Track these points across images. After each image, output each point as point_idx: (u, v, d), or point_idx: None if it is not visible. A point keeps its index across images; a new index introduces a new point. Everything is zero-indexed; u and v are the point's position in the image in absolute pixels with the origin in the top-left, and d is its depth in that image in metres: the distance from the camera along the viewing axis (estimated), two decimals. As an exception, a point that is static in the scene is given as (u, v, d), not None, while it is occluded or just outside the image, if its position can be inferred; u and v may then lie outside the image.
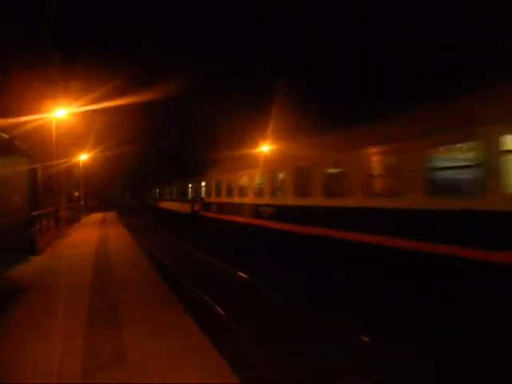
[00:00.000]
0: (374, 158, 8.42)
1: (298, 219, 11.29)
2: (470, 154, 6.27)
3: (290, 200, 11.95)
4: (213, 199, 20.76)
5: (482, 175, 5.98)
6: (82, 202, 36.06)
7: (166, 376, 3.89)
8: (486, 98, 6.37)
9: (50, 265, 10.35)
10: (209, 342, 4.65)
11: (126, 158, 51.80)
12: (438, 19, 25.05)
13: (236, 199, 16.81)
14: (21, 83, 16.02)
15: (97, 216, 35.11)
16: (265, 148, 17.34)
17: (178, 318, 5.60)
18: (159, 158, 59.51)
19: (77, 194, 34.61)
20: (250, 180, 15.25)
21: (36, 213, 12.86)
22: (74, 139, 27.20)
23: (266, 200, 13.66)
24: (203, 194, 23.13)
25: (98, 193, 58.40)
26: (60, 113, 17.48)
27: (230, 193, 17.76)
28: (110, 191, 69.68)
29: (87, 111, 19.74)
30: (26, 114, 15.11)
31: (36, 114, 15.96)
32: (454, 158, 6.83)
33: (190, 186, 26.93)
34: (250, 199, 15.08)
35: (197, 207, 24.19)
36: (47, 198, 17.02)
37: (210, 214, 21.32)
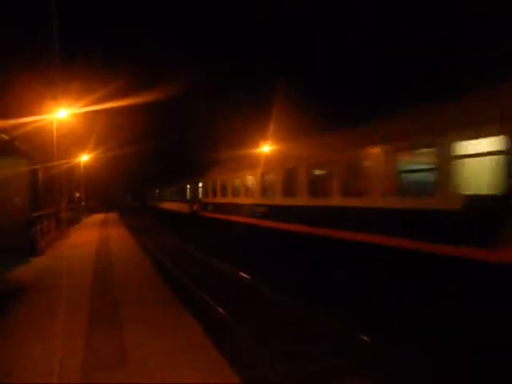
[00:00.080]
0: (350, 160, 9.33)
1: (286, 218, 12.18)
2: (429, 159, 7.14)
3: (278, 200, 12.83)
4: (210, 199, 21.52)
5: (435, 178, 6.89)
6: (83, 203, 36.11)
7: (166, 376, 3.90)
8: (441, 110, 7.30)
9: (50, 266, 10.37)
10: (209, 342, 4.66)
11: (127, 158, 51.84)
12: (438, 19, 25.05)
13: (230, 199, 17.77)
14: (21, 84, 16.06)
15: (98, 217, 35.15)
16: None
17: (178, 318, 5.61)
18: (160, 158, 59.56)
19: (78, 194, 34.65)
20: (243, 181, 16.20)
21: (37, 214, 12.88)
22: (74, 140, 27.25)
23: (258, 200, 14.50)
24: (201, 195, 23.81)
25: (99, 194, 58.47)
26: (61, 114, 17.49)
27: (224, 193, 18.68)
28: (111, 192, 69.76)
29: (88, 112, 19.76)
30: (26, 115, 15.13)
31: (37, 114, 15.99)
32: (418, 162, 7.73)
33: (188, 186, 27.41)
34: (243, 199, 16.00)
35: (195, 207, 24.63)
36: (48, 199, 17.04)
37: (207, 214, 22.05)
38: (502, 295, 5.49)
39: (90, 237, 17.48)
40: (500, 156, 5.86)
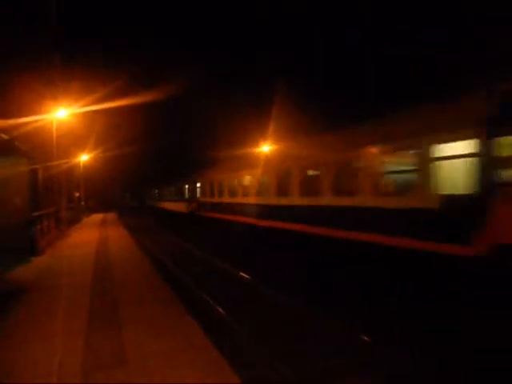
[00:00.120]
0: (340, 162, 9.82)
1: (279, 217, 12.80)
2: (410, 161, 7.63)
3: (272, 200, 13.40)
4: (207, 199, 22.18)
5: (416, 178, 7.39)
6: (83, 203, 36.10)
7: (166, 376, 3.90)
8: (421, 116, 7.75)
9: (50, 265, 10.36)
10: (209, 342, 4.66)
11: (127, 158, 51.84)
12: (438, 19, 25.04)
13: (226, 199, 18.56)
14: (21, 84, 16.04)
15: (97, 217, 35.14)
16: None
17: (178, 318, 5.60)
18: (159, 158, 59.60)
19: (77, 194, 34.64)
20: (239, 181, 16.97)
21: (37, 213, 12.87)
22: (74, 140, 27.21)
23: (253, 200, 15.12)
24: (198, 195, 24.38)
25: (99, 193, 58.46)
26: (60, 113, 17.47)
27: (221, 193, 19.43)
28: (110, 192, 69.75)
29: (88, 112, 19.75)
30: (26, 115, 15.11)
31: (36, 114, 15.96)
32: (402, 164, 8.16)
33: (186, 186, 27.76)
34: (239, 199, 16.75)
35: (193, 207, 24.98)
36: (48, 199, 17.03)
37: (204, 213, 22.73)
38: (474, 285, 6.02)
39: (90, 236, 17.47)
40: (473, 158, 6.29)
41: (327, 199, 10.05)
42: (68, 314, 6.02)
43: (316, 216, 10.52)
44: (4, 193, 12.09)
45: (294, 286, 8.82)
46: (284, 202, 12.49)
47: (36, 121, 15.90)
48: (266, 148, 17.19)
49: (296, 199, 11.66)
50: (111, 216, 35.92)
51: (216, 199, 20.27)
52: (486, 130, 6.08)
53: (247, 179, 16.05)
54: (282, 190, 12.58)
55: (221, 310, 7.48)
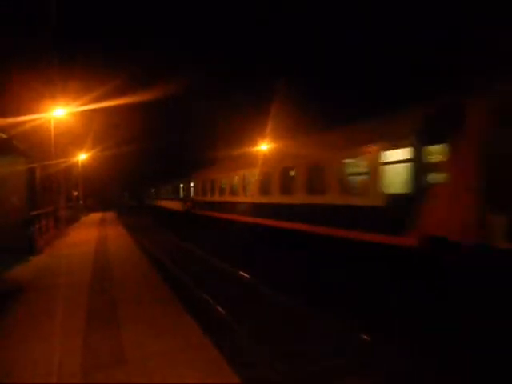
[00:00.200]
0: (312, 164, 11.16)
1: (261, 213, 14.28)
2: (365, 165, 9.00)
3: (256, 198, 14.66)
4: (200, 198, 23.41)
5: (368, 180, 8.72)
6: (81, 202, 36.00)
7: (165, 376, 3.88)
8: (374, 126, 9.27)
9: (49, 265, 10.33)
10: (209, 342, 4.64)
11: (125, 158, 51.83)
12: (438, 19, 25.05)
13: (217, 198, 19.89)
14: (20, 83, 15.98)
15: (96, 216, 35.06)
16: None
17: (177, 317, 5.59)
18: (157, 158, 59.59)
19: (76, 193, 34.56)
20: (229, 181, 18.10)
21: (35, 213, 12.82)
22: (72, 139, 27.15)
23: (241, 198, 16.29)
24: (193, 194, 25.45)
25: (97, 193, 58.33)
26: (59, 112, 17.43)
27: (212, 192, 20.68)
28: (108, 191, 69.64)
29: (86, 111, 19.73)
30: (24, 114, 15.06)
31: (34, 113, 15.91)
32: (360, 167, 9.34)
33: (181, 185, 28.48)
34: (229, 198, 17.98)
35: (188, 205, 25.61)
36: (46, 198, 16.98)
37: (198, 212, 23.84)
38: (408, 271, 7.38)
39: (89, 236, 17.42)
40: (409, 163, 7.62)
41: (301, 197, 11.47)
42: (67, 313, 5.99)
43: (290, 213, 12.06)
44: (2, 192, 12.04)
45: (280, 278, 8.82)
46: (265, 200, 13.93)
47: (34, 119, 15.84)
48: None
49: (276, 198, 13.10)
50: (110, 215, 35.84)
51: (208, 198, 21.52)
52: (416, 140, 7.46)
53: (235, 179, 17.22)
54: (265, 190, 14.00)
55: (220, 309, 7.46)
